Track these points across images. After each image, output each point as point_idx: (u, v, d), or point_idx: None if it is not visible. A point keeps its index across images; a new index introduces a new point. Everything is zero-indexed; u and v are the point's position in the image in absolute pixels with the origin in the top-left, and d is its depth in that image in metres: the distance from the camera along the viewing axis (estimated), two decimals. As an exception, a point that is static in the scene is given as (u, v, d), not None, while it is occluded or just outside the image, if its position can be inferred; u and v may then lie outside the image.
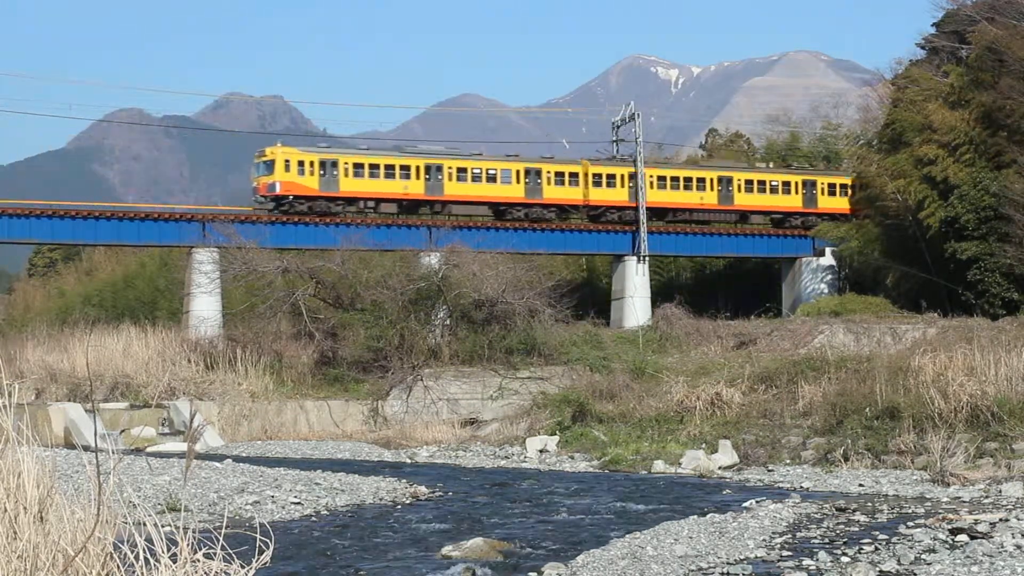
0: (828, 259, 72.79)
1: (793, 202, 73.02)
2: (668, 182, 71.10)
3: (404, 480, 28.10)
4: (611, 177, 69.49)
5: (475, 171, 66.69)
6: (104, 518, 7.82)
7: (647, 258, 69.24)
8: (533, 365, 46.02)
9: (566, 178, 68.73)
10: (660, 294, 67.36)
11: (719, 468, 31.00)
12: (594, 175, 69.19)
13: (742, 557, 17.07)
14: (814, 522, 20.49)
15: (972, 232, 56.91)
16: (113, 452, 8.53)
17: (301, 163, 62.63)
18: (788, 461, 31.32)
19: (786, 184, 73.05)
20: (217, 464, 29.16)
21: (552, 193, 68.20)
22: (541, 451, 35.86)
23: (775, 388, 36.40)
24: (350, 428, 43.68)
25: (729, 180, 72.16)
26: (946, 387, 29.54)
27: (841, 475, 28.41)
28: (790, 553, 17.35)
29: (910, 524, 19.60)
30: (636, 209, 69.32)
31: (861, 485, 26.58)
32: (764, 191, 72.74)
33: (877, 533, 18.98)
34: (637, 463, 32.24)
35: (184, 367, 46.43)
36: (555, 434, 37.33)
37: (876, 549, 17.30)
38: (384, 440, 40.50)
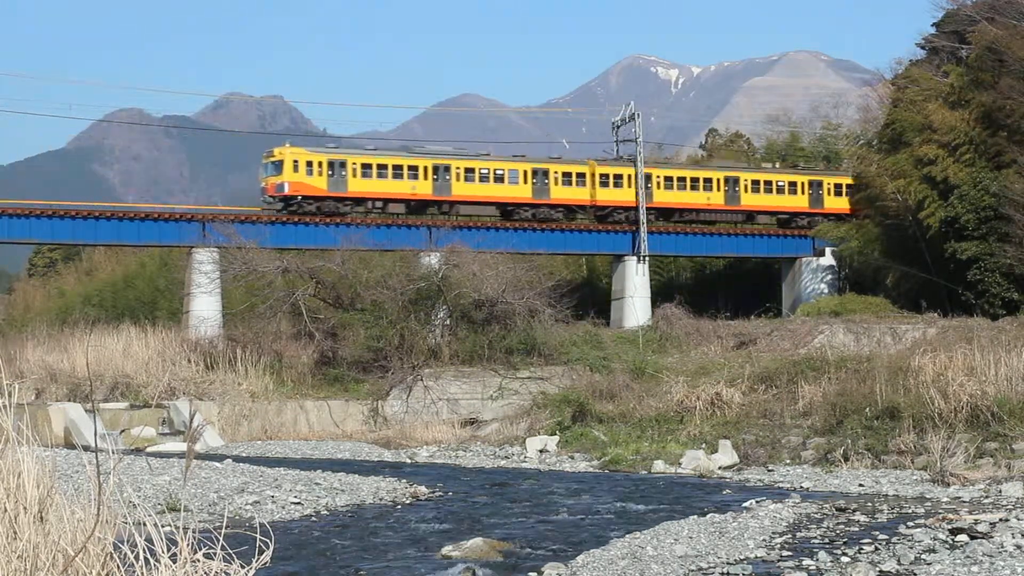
0: (828, 259, 72.79)
1: (799, 202, 73.10)
2: (675, 182, 71.31)
3: (404, 480, 28.10)
4: (618, 177, 69.65)
5: (483, 171, 66.90)
6: (104, 518, 7.82)
7: (647, 258, 69.26)
8: (533, 365, 46.02)
9: (573, 178, 68.91)
10: (660, 294, 67.37)
11: (719, 468, 31.00)
12: (601, 175, 69.40)
13: (742, 557, 17.07)
14: (814, 522, 20.49)
15: (972, 232, 56.90)
16: (113, 452, 8.53)
17: (309, 163, 62.83)
18: (788, 461, 31.32)
19: (792, 184, 73.14)
20: (217, 464, 29.16)
21: (559, 193, 68.41)
22: (541, 451, 35.86)
23: (775, 388, 36.39)
24: (350, 428, 43.67)
25: (736, 180, 72.31)
26: (946, 387, 29.54)
27: (841, 475, 28.41)
28: (790, 553, 17.35)
29: (910, 524, 19.60)
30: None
31: (861, 485, 26.58)
32: (771, 191, 72.88)
33: (877, 533, 18.98)
34: (637, 463, 32.23)
35: (184, 367, 46.43)
36: (555, 434, 37.33)
37: (876, 549, 17.30)
38: (384, 440, 40.50)
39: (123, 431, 38.47)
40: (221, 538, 7.82)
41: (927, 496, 24.37)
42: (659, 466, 31.46)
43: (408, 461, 35.79)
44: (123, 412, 41.43)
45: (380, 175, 64.15)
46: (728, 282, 75.98)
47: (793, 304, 69.74)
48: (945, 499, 23.79)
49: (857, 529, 19.69)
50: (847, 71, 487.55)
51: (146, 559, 7.69)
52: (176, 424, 40.93)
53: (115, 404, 42.37)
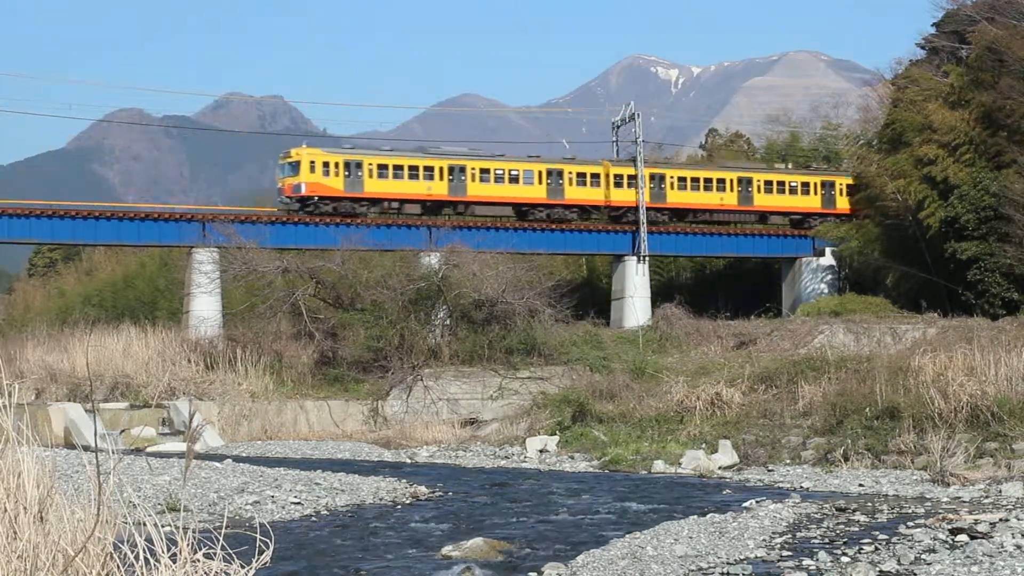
0: (828, 259, 72.80)
1: (812, 203, 73.20)
2: (688, 183, 71.57)
3: (404, 480, 28.10)
4: (632, 178, 69.96)
5: (498, 172, 67.27)
6: (104, 518, 7.82)
7: (647, 258, 69.28)
8: (533, 365, 46.01)
9: (588, 179, 69.16)
10: (660, 294, 67.39)
11: (719, 468, 31.00)
12: (615, 176, 69.63)
13: (742, 557, 17.07)
14: (814, 522, 20.49)
15: (972, 232, 56.91)
16: (113, 452, 8.53)
17: (326, 164, 63.14)
18: (788, 461, 31.32)
19: (805, 185, 73.26)
20: (217, 464, 29.16)
21: (574, 194, 68.69)
22: (541, 451, 35.86)
23: (775, 388, 36.39)
24: (350, 428, 43.67)
25: (749, 181, 72.54)
26: (946, 387, 29.54)
27: (841, 475, 28.41)
28: (790, 553, 17.35)
29: (910, 524, 19.60)
30: (658, 211, 69.90)
31: (861, 485, 26.58)
32: (783, 192, 73.07)
33: (877, 533, 18.98)
34: (637, 463, 32.23)
35: (184, 367, 46.43)
36: (555, 434, 37.33)
37: (876, 549, 17.30)
38: (384, 440, 40.49)
39: (123, 431, 38.46)
40: (221, 538, 7.82)
41: (927, 496, 24.37)
42: (659, 466, 31.45)
43: (408, 461, 35.79)
44: (123, 412, 41.42)
45: (396, 176, 64.54)
46: (728, 282, 75.99)
47: (793, 304, 69.74)
48: (945, 499, 23.79)
49: (857, 529, 19.69)
50: (847, 71, 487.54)
51: (146, 559, 7.69)
52: (176, 424, 40.93)
53: (115, 404, 42.37)
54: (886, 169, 63.49)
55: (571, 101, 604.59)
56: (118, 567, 7.89)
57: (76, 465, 22.94)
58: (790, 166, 77.32)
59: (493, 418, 42.67)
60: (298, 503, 23.57)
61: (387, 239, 60.25)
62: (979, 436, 28.22)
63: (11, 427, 8.53)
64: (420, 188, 65.05)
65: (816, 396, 34.18)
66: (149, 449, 36.84)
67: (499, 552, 17.94)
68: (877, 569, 15.65)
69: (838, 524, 20.25)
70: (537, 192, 67.91)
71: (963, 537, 17.80)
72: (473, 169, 66.48)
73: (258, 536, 7.80)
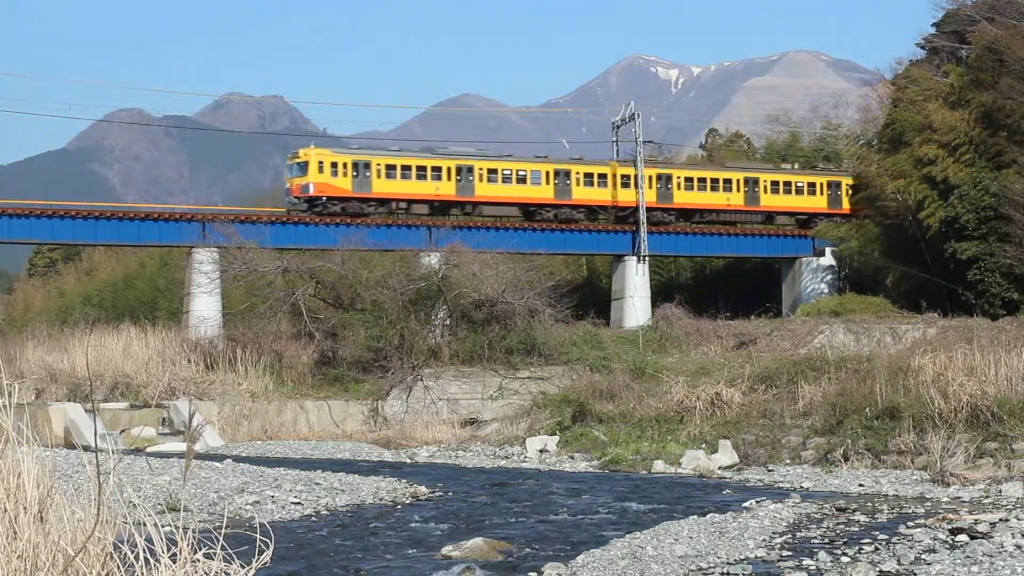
0: (828, 259, 72.83)
1: (818, 203, 73.33)
2: (695, 183, 71.77)
3: (404, 480, 28.09)
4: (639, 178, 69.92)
5: (505, 172, 67.62)
6: (104, 518, 7.82)
7: (647, 258, 69.32)
8: (533, 365, 46.00)
9: (595, 179, 69.40)
10: (660, 294, 67.41)
11: (719, 468, 30.99)
12: (622, 176, 69.77)
13: (742, 557, 17.07)
14: (814, 522, 20.49)
15: (972, 232, 56.92)
16: (113, 452, 8.53)
17: (335, 164, 63.40)
18: (788, 461, 31.31)
19: (811, 185, 73.42)
20: (217, 464, 29.16)
21: (581, 194, 68.94)
22: (541, 451, 35.85)
23: (775, 388, 36.38)
24: (350, 428, 43.66)
25: (755, 181, 72.79)
26: (946, 387, 29.53)
27: (841, 475, 28.41)
28: (790, 553, 17.35)
29: (910, 524, 19.60)
30: (664, 211, 70.10)
31: (861, 485, 26.58)
32: (790, 192, 73.29)
33: (877, 533, 18.98)
34: (637, 463, 32.23)
35: (184, 367, 46.42)
36: (555, 434, 37.32)
37: (876, 549, 17.30)
38: (384, 440, 40.49)
39: (123, 431, 38.46)
40: (221, 538, 7.82)
41: (927, 496, 24.36)
42: (659, 466, 31.45)
43: (408, 461, 35.78)
44: (123, 412, 41.41)
45: (404, 176, 64.82)
46: (728, 282, 76.03)
47: (793, 304, 69.76)
48: (945, 499, 23.79)
49: (857, 529, 19.69)
50: (847, 71, 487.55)
51: (146, 559, 7.70)
52: (176, 424, 40.93)
53: (115, 404, 42.36)
54: (886, 169, 63.49)
55: (571, 101, 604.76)
56: (118, 567, 7.89)
57: (76, 465, 22.94)
58: (796, 166, 77.45)
59: (493, 418, 42.67)
60: (298, 503, 23.57)
61: (387, 239, 60.31)
62: (979, 436, 28.22)
63: (11, 427, 8.53)
64: (428, 188, 65.35)
65: (816, 396, 34.18)
66: (149, 449, 36.83)
67: (499, 552, 17.94)
68: (877, 569, 15.65)
69: (838, 524, 20.25)
70: (544, 192, 68.17)
71: (963, 537, 17.80)
72: (481, 169, 66.75)
73: (258, 536, 7.80)
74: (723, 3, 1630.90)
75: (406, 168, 64.98)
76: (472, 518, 22.32)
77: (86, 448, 20.90)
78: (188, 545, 7.65)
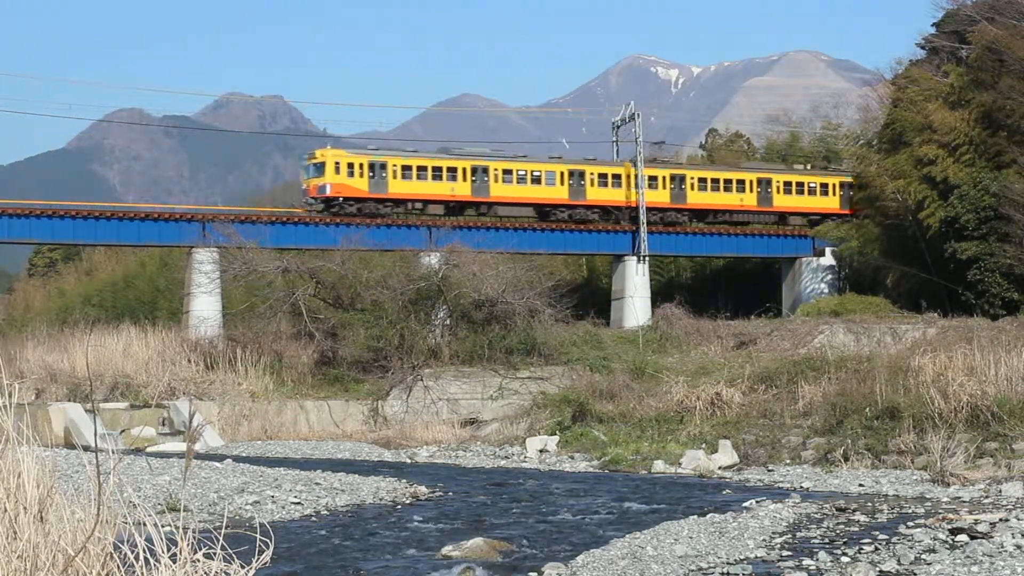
0: (828, 259, 72.84)
1: (831, 204, 73.45)
2: (708, 183, 72.02)
3: (404, 480, 28.09)
4: (653, 179, 70.65)
5: (520, 173, 68.00)
6: (104, 518, 7.82)
7: (647, 258, 69.35)
8: (533, 365, 46.00)
9: (609, 180, 69.69)
10: (660, 294, 67.43)
11: (719, 468, 30.99)
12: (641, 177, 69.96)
13: (742, 557, 17.06)
14: (814, 522, 20.49)
15: (972, 232, 56.92)
16: (113, 452, 8.53)
17: (351, 165, 63.73)
18: (788, 461, 31.31)
19: (824, 186, 73.58)
20: (217, 464, 29.15)
21: (595, 194, 69.23)
22: (541, 451, 35.85)
23: (775, 388, 36.38)
24: (350, 428, 43.66)
25: (768, 182, 73.11)
26: (946, 387, 29.53)
27: (841, 475, 28.40)
28: (790, 553, 17.35)
29: (910, 524, 19.60)
30: (678, 211, 70.33)
31: (861, 485, 26.58)
32: (802, 193, 73.47)
33: (877, 533, 18.98)
34: (637, 463, 32.22)
35: (184, 367, 46.41)
36: (555, 434, 37.32)
37: (876, 549, 17.30)
38: (384, 440, 40.49)
39: (123, 431, 38.47)
40: (221, 538, 7.82)
41: (927, 496, 24.36)
42: (659, 466, 31.45)
43: (408, 461, 35.78)
44: (123, 412, 41.41)
45: (420, 177, 65.21)
46: (728, 282, 76.04)
47: (793, 304, 69.77)
48: (945, 499, 23.79)
49: (857, 529, 19.69)
50: (847, 71, 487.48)
51: (146, 559, 7.70)
52: (176, 424, 40.93)
53: (115, 404, 42.35)
54: (886, 169, 63.51)
55: (571, 101, 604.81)
56: (118, 567, 7.90)
57: (76, 465, 22.95)
58: (809, 167, 77.62)
59: (493, 418, 42.67)
60: (298, 503, 23.57)
61: (387, 239, 60.35)
62: (979, 436, 28.22)
63: (11, 427, 8.53)
64: (444, 189, 65.73)
65: (816, 396, 34.17)
66: (149, 449, 36.83)
67: (499, 552, 17.94)
68: (877, 569, 15.65)
69: (838, 524, 20.25)
70: (559, 193, 68.54)
71: (963, 537, 17.80)
72: (496, 170, 67.13)
73: (258, 536, 7.80)
74: (723, 3, 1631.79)
75: (422, 169, 65.38)
76: (472, 518, 22.32)
77: (86, 448, 20.91)
78: (188, 545, 7.65)
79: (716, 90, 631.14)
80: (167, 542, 7.68)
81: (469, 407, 44.25)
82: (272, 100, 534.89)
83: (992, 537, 17.59)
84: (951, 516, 20.18)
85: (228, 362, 46.59)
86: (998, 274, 55.85)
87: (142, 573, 7.67)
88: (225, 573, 7.70)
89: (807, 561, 16.49)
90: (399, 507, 24.07)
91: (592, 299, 68.02)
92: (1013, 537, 17.42)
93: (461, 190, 66.11)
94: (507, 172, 67.45)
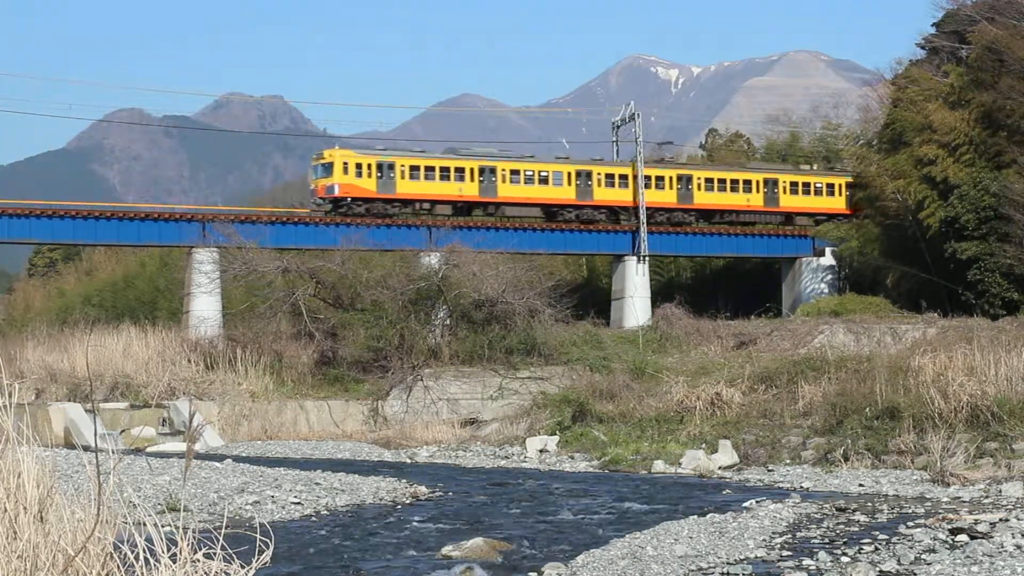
0: (828, 259, 72.85)
1: (837, 204, 73.54)
2: (715, 184, 72.19)
3: (404, 480, 28.09)
4: (659, 179, 70.96)
5: (528, 173, 68.28)
6: (104, 518, 7.82)
7: (647, 258, 69.38)
8: (533, 365, 46.00)
9: (616, 180, 69.81)
10: (660, 294, 67.44)
11: (719, 468, 31.00)
12: (644, 177, 70.07)
13: (742, 557, 17.07)
14: (814, 522, 20.49)
15: (972, 232, 56.92)
16: (113, 452, 8.53)
17: (359, 165, 63.96)
18: (788, 461, 31.32)
19: (830, 186, 73.65)
20: (217, 464, 29.16)
21: (602, 195, 69.43)
22: (541, 451, 35.85)
23: (775, 388, 36.38)
24: (350, 428, 43.66)
25: (775, 182, 73.37)
26: (946, 387, 29.53)
27: (841, 475, 28.41)
28: (790, 553, 17.35)
29: (910, 524, 19.60)
30: (685, 211, 70.55)
31: (861, 485, 26.58)
32: (808, 193, 73.57)
33: (877, 533, 18.98)
34: (637, 463, 32.23)
35: (184, 367, 46.42)
36: (555, 434, 37.33)
37: (876, 549, 17.30)
38: (384, 440, 40.49)
39: (123, 431, 38.47)
40: (221, 538, 7.82)
41: (927, 496, 24.37)
42: (659, 466, 31.45)
43: (408, 461, 35.79)
44: (123, 412, 41.42)
45: (428, 177, 65.47)
46: (728, 282, 76.06)
47: (793, 304, 69.78)
48: (945, 499, 23.79)
49: (857, 529, 19.69)
50: (847, 71, 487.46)
51: (146, 559, 7.70)
52: (176, 424, 40.93)
53: (115, 404, 42.35)
54: (886, 169, 63.52)
55: (571, 101, 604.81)
56: (118, 567, 7.90)
57: (76, 465, 22.95)
58: (815, 167, 77.71)
59: (493, 418, 42.68)
60: (298, 503, 23.57)
61: (387, 239, 60.37)
62: (979, 436, 28.22)
63: (11, 427, 8.53)
64: (451, 189, 65.95)
65: (816, 396, 34.18)
66: (149, 449, 36.84)
67: (499, 552, 17.94)
68: (877, 569, 15.65)
69: (838, 524, 20.26)
70: (566, 193, 68.76)
71: (963, 537, 17.80)
72: (503, 170, 67.37)
73: (258, 536, 7.80)
74: (723, 3, 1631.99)
75: (430, 169, 65.62)
76: (472, 518, 22.32)
77: (86, 448, 20.91)
78: (188, 545, 7.65)
79: (716, 90, 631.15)
80: (167, 542, 7.68)
81: (469, 407, 44.26)
82: (272, 100, 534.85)
83: (992, 537, 17.59)
84: (951, 516, 20.19)
85: (228, 362, 46.59)
86: (998, 274, 55.85)
87: (142, 573, 7.67)
88: (225, 573, 7.70)
89: (807, 561, 16.49)
90: (399, 507, 24.08)
91: (592, 299, 68.03)
92: (1013, 537, 17.42)
93: (469, 190, 66.34)
94: (515, 172, 67.68)
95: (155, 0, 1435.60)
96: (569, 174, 68.96)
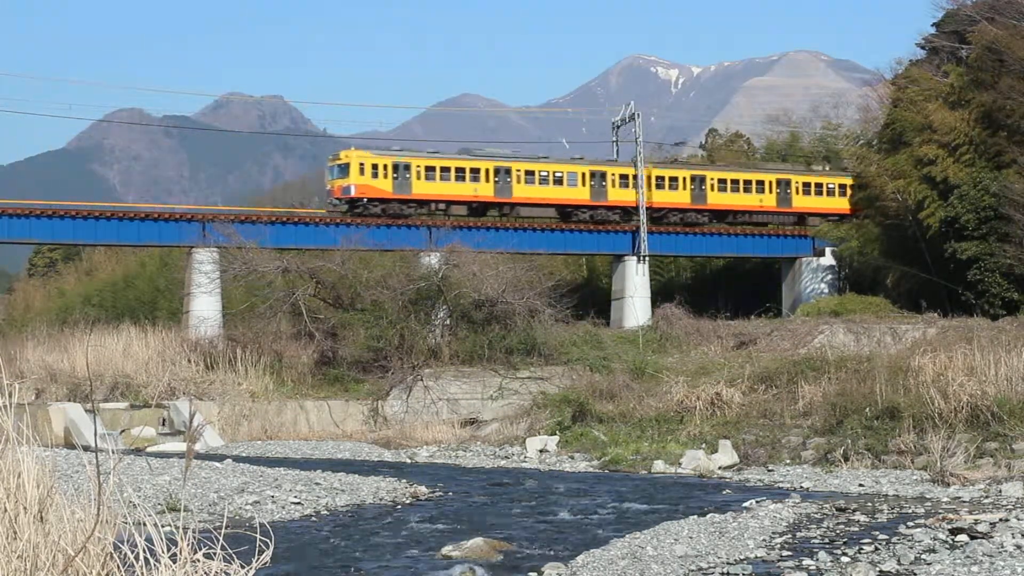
0: (828, 259, 72.87)
1: (848, 204, 73.56)
2: (728, 184, 72.40)
3: (404, 480, 28.09)
4: (673, 180, 71.35)
5: (542, 174, 68.69)
6: (104, 518, 7.82)
7: (647, 258, 69.40)
8: (533, 365, 46.00)
9: (630, 180, 70.02)
10: (660, 294, 67.46)
11: (719, 468, 30.99)
12: (657, 178, 70.46)
13: (742, 557, 17.07)
14: (814, 522, 20.49)
15: (972, 232, 56.93)
16: (113, 452, 8.53)
17: (375, 166, 64.24)
18: (788, 461, 31.32)
19: (843, 187, 73.70)
20: (217, 464, 29.16)
21: (616, 195, 69.71)
22: (541, 451, 35.85)
23: (775, 388, 36.38)
24: (350, 428, 43.66)
25: (787, 183, 73.71)
26: (946, 387, 29.53)
27: (841, 475, 28.41)
28: (790, 553, 17.35)
29: (910, 524, 19.60)
30: (698, 212, 70.75)
31: (861, 485, 26.58)
32: (821, 193, 73.75)
33: (877, 533, 18.98)
34: (637, 463, 32.23)
35: (184, 367, 46.41)
36: (555, 434, 37.32)
37: (876, 549, 17.30)
38: (384, 440, 40.49)
39: (123, 431, 38.46)
40: (221, 538, 7.82)
41: (927, 496, 24.37)
42: (659, 466, 31.45)
43: (408, 461, 35.78)
44: (123, 412, 41.41)
45: (443, 178, 65.78)
46: (728, 282, 76.08)
47: (793, 304, 69.79)
48: (945, 499, 23.79)
49: (857, 529, 19.69)
50: (847, 71, 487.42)
51: (146, 559, 7.70)
52: (176, 424, 40.93)
53: (115, 404, 42.35)
54: (886, 169, 63.52)
55: (571, 101, 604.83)
56: (118, 567, 7.90)
57: (76, 465, 22.95)
58: (828, 167, 77.81)
59: (493, 418, 42.68)
60: (298, 503, 23.57)
61: (387, 239, 60.40)
62: (979, 436, 28.22)
63: (11, 427, 8.53)
64: (467, 190, 66.28)
65: (816, 396, 34.18)
66: (149, 449, 36.84)
67: (499, 552, 17.94)
68: (877, 569, 15.65)
69: (838, 524, 20.25)
70: (580, 194, 69.04)
71: (963, 537, 17.80)
72: (518, 171, 67.70)
73: (258, 536, 7.80)
74: (723, 3, 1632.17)
75: (445, 170, 65.92)
76: (472, 518, 22.32)
77: (86, 448, 20.91)
78: (188, 545, 7.65)
79: (716, 90, 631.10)
80: (167, 542, 7.69)
81: (469, 407, 44.26)
82: (272, 100, 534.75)
83: (992, 537, 17.59)
84: (951, 516, 20.19)
85: (228, 362, 46.59)
86: (998, 274, 55.85)
87: (142, 573, 7.67)
88: (225, 573, 7.70)
89: (807, 561, 16.49)
90: (399, 507, 24.08)
91: (592, 299, 68.05)
92: (1013, 537, 17.42)
93: (484, 191, 66.68)
94: (529, 173, 68.03)
95: (155, 0, 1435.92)
96: (583, 175, 69.27)
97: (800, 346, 46.96)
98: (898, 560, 16.17)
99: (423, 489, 26.72)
